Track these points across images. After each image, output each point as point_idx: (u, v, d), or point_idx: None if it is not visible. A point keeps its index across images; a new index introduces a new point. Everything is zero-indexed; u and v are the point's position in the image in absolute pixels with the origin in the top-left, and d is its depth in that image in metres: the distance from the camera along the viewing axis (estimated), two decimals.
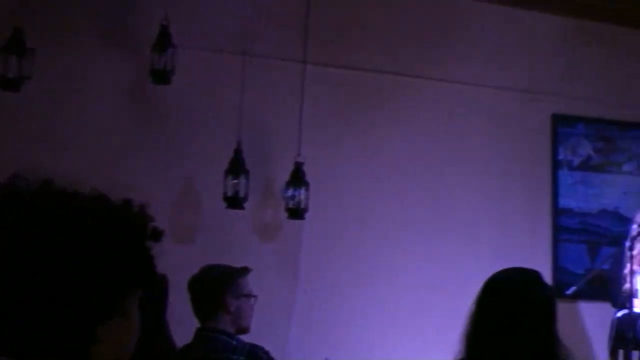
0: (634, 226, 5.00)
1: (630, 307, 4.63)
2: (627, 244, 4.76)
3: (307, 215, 5.16)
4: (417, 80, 5.63)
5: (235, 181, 4.93)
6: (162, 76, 4.70)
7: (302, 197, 5.09)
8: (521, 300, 2.49)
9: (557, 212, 5.92)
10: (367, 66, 5.53)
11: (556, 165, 5.96)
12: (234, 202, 4.95)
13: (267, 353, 3.21)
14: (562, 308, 5.77)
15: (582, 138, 6.05)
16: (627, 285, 4.87)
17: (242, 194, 4.94)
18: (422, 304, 5.43)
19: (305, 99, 5.38)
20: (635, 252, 4.84)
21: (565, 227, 5.94)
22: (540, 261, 5.66)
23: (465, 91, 5.75)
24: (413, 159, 5.59)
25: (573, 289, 4.89)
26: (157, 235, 1.34)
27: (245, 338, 3.32)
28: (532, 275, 2.57)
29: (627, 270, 4.87)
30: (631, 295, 4.68)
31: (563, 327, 5.32)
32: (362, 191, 5.45)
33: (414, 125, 5.61)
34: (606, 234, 5.98)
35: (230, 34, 5.23)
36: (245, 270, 3.36)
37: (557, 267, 5.86)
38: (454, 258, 5.54)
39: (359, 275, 5.35)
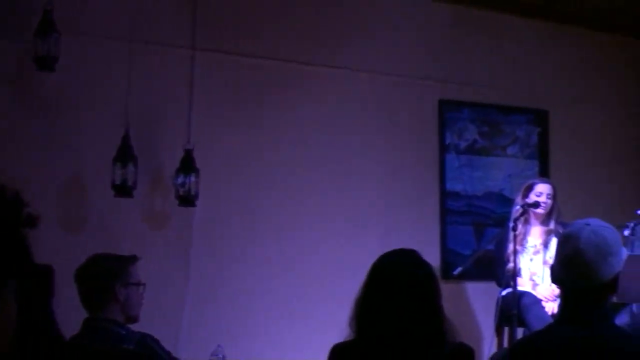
0: (517, 207, 5.18)
1: (514, 285, 4.77)
2: (510, 224, 4.91)
3: (198, 202, 5.14)
4: (306, 67, 5.67)
5: (123, 169, 4.87)
6: (45, 63, 4.60)
7: (193, 184, 5.07)
8: (403, 280, 2.56)
9: (445, 195, 6.08)
10: (257, 53, 5.53)
11: (443, 149, 6.10)
12: (123, 190, 4.89)
13: (157, 342, 3.19)
14: (450, 288, 6.00)
15: (468, 123, 6.21)
16: (510, 265, 5.02)
17: (130, 182, 4.89)
18: (315, 289, 5.50)
19: (194, 85, 5.35)
20: (518, 232, 5.00)
21: (453, 209, 6.10)
22: (429, 243, 5.82)
23: (353, 78, 5.82)
24: (303, 145, 5.63)
25: (459, 269, 5.02)
26: (33, 221, 1.28)
27: (137, 327, 3.29)
28: (411, 255, 2.65)
29: (510, 250, 5.02)
30: (515, 274, 4.84)
31: (451, 307, 5.48)
32: (254, 177, 5.46)
33: (303, 111, 5.65)
34: (491, 216, 6.17)
35: (117, 20, 5.14)
36: (133, 259, 3.33)
37: (445, 249, 6.02)
38: (345, 243, 5.62)
39: (251, 262, 5.37)
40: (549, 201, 5.26)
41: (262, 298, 5.38)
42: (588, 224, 2.36)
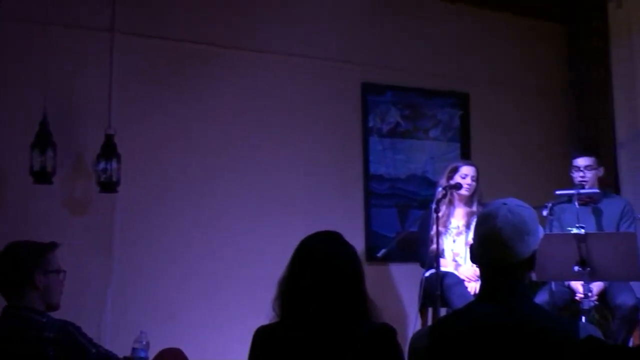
0: (439, 189, 5.25)
1: (437, 266, 4.83)
2: (433, 206, 4.98)
3: (120, 188, 5.08)
4: (229, 50, 5.64)
5: (42, 155, 4.78)
6: None
7: (114, 169, 5.01)
8: (326, 262, 2.58)
9: (368, 178, 6.13)
10: (178, 36, 5.48)
11: (366, 132, 6.15)
12: (42, 176, 4.80)
13: (78, 329, 3.15)
14: (374, 270, 6.06)
15: (390, 106, 6.27)
16: (433, 246, 5.09)
17: (49, 168, 4.80)
18: (239, 273, 5.50)
19: (114, 68, 5.27)
20: (440, 214, 5.07)
21: (376, 192, 6.16)
22: (353, 226, 5.88)
23: (276, 61, 5.81)
24: (227, 129, 5.61)
25: (383, 251, 5.07)
26: None
27: (59, 315, 3.25)
28: (334, 237, 2.67)
29: (433, 232, 5.09)
30: (438, 255, 4.89)
31: (375, 288, 5.52)
32: (176, 162, 5.42)
33: (227, 95, 5.62)
34: (415, 198, 6.25)
35: (34, 3, 5.03)
36: (53, 246, 3.28)
37: (369, 232, 6.07)
38: (270, 226, 5.62)
39: (174, 248, 5.34)
40: (473, 183, 5.35)
41: (186, 283, 5.35)
42: (505, 204, 2.41)
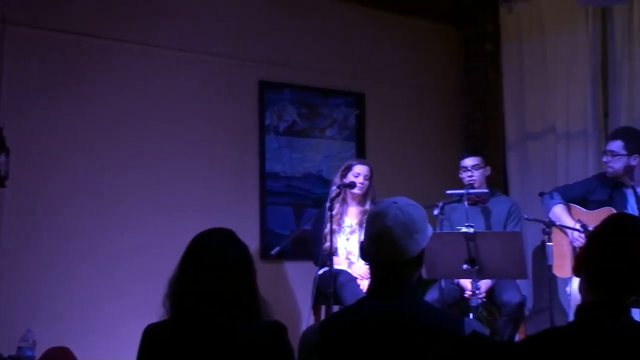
0: (333, 187, 5.29)
1: (331, 264, 4.88)
2: (327, 204, 5.02)
3: (8, 182, 4.93)
4: (123, 44, 5.56)
5: None
6: None
7: (2, 163, 4.86)
8: (217, 259, 2.58)
9: (264, 176, 6.14)
10: (73, 29, 5.36)
11: (263, 130, 6.15)
12: None
13: None
14: (268, 268, 6.06)
15: (287, 104, 6.29)
16: (327, 244, 5.14)
17: None
18: (131, 270, 5.42)
19: (4, 61, 5.11)
20: (335, 213, 5.12)
21: (272, 190, 6.17)
22: (248, 224, 5.87)
23: (173, 57, 5.76)
24: (122, 125, 5.52)
25: (277, 249, 5.08)
26: None
27: None
28: (226, 235, 2.67)
29: (327, 230, 5.14)
30: (331, 253, 4.94)
31: (269, 286, 5.52)
32: (68, 157, 5.30)
33: (121, 90, 5.53)
34: (310, 196, 6.29)
35: None
36: None
37: (264, 229, 6.08)
38: (166, 224, 5.56)
39: (64, 245, 5.22)
40: (366, 182, 5.41)
41: (75, 281, 5.24)
42: (395, 202, 2.45)
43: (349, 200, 5.45)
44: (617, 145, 4.86)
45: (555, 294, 6.00)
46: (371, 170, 5.46)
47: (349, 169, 5.42)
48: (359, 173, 5.39)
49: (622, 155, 4.83)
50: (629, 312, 2.24)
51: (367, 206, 5.39)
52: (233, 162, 5.99)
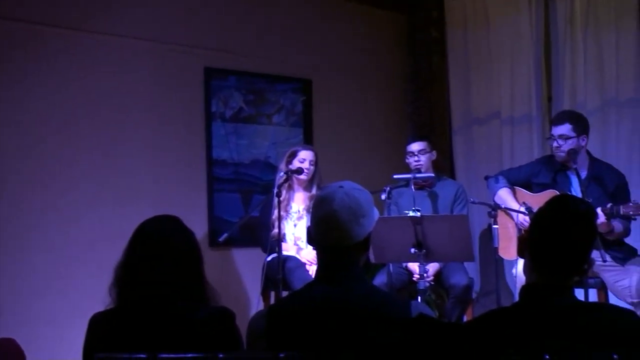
0: (281, 174, 5.28)
1: (279, 250, 4.87)
2: (275, 190, 5.01)
3: None
4: (70, 31, 5.46)
5: None
6: None
7: None
8: (163, 246, 2.56)
9: (212, 163, 6.09)
10: (15, 15, 5.25)
11: (209, 117, 6.10)
12: None
13: None
14: (217, 255, 6.03)
15: (234, 90, 6.25)
16: (275, 231, 5.13)
17: None
18: (78, 260, 5.34)
19: None
20: (282, 199, 5.11)
21: (220, 177, 6.13)
22: (196, 211, 5.84)
23: (118, 43, 5.67)
24: (64, 114, 5.42)
25: (224, 235, 5.05)
26: None
27: None
28: (172, 222, 2.65)
29: (275, 216, 5.13)
30: (279, 239, 4.94)
31: (218, 273, 5.49)
32: (6, 146, 5.20)
33: (66, 77, 5.43)
34: (258, 183, 6.27)
35: None
36: None
37: (212, 217, 6.05)
38: (112, 212, 5.49)
39: (7, 236, 5.13)
40: (311, 167, 5.41)
41: (21, 272, 5.15)
42: (342, 187, 2.45)
43: (296, 186, 5.45)
44: (566, 128, 4.92)
45: (502, 276, 6.08)
46: (316, 155, 5.46)
47: (294, 155, 5.42)
48: (304, 159, 5.39)
49: (573, 138, 4.90)
50: (572, 292, 2.28)
51: (314, 191, 5.39)
52: (180, 150, 5.94)
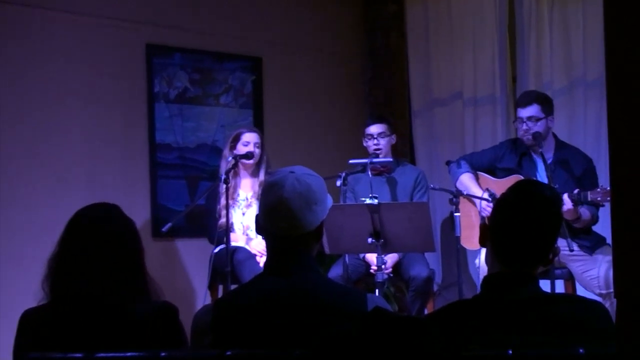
0: (229, 159, 5.25)
1: (227, 241, 4.85)
2: (223, 177, 4.98)
3: None
4: (5, 5, 5.36)
5: None
6: None
7: None
8: (100, 236, 2.53)
9: (155, 148, 6.05)
10: None
11: (152, 98, 6.05)
12: None
13: None
14: (161, 246, 5.99)
15: (178, 69, 6.20)
16: (222, 220, 5.11)
17: None
18: (10, 253, 5.27)
19: None
20: (230, 186, 5.08)
21: (164, 162, 6.09)
22: (138, 199, 5.80)
23: (52, 18, 5.59)
24: (3, 92, 5.34)
25: (168, 225, 5.01)
26: None
27: None
28: (110, 210, 2.62)
29: (222, 205, 5.11)
30: (228, 229, 4.91)
31: (162, 265, 5.47)
32: None
33: (4, 54, 5.35)
34: (205, 169, 6.23)
35: None
36: None
37: (156, 205, 6.01)
38: (46, 199, 5.43)
39: None
40: (257, 150, 5.39)
41: None
42: (293, 172, 2.44)
43: (242, 171, 5.42)
44: (535, 109, 4.96)
45: (465, 267, 6.14)
46: (262, 138, 5.45)
47: (237, 138, 5.39)
48: (248, 141, 5.37)
49: (542, 119, 4.94)
50: (537, 283, 2.30)
51: (262, 176, 5.38)
52: (120, 133, 5.88)
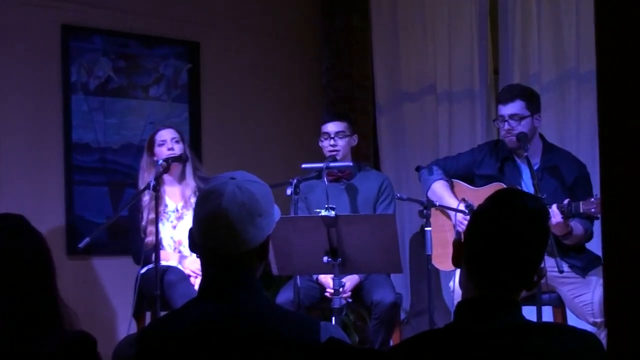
0: (160, 161, 5.21)
1: (156, 260, 4.82)
2: (152, 183, 4.95)
3: None
4: None
5: None
6: None
7: None
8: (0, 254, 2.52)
9: (71, 148, 6.03)
10: None
11: (68, 88, 6.03)
12: None
13: None
14: (77, 265, 5.97)
15: (100, 55, 6.18)
16: (149, 238, 5.08)
17: None
18: None
19: None
20: (160, 194, 5.05)
21: (81, 165, 6.07)
22: (51, 209, 5.78)
23: None
24: None
25: (86, 241, 4.97)
26: None
27: None
28: (15, 222, 2.60)
29: (151, 217, 5.08)
30: (157, 246, 4.88)
31: (77, 287, 5.43)
32: None
33: None
34: (131, 173, 6.19)
35: None
36: None
37: (71, 216, 5.98)
38: None
39: None
40: (178, 145, 5.35)
41: None
42: (233, 178, 2.44)
43: (166, 177, 5.39)
44: (518, 106, 4.99)
45: (438, 291, 6.18)
46: (181, 134, 5.45)
47: (152, 141, 5.41)
48: (163, 140, 5.37)
49: (527, 117, 4.98)
50: (519, 310, 2.31)
51: (190, 180, 5.39)
52: (30, 130, 5.86)
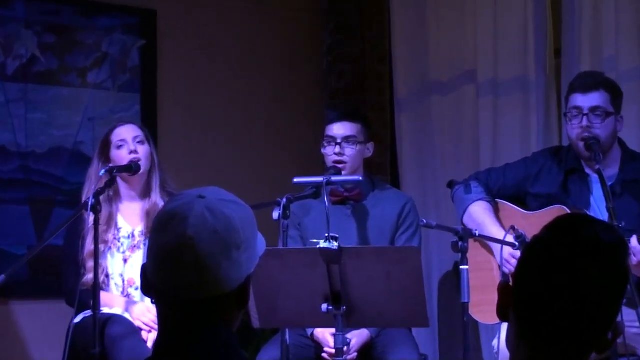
0: (102, 172, 5.21)
1: (96, 306, 4.82)
2: (91, 201, 4.92)
3: None
4: None
5: None
6: None
7: None
8: None
9: None
10: None
11: None
12: None
13: None
14: None
15: (21, 28, 6.21)
16: (89, 276, 5.08)
17: None
18: None
19: None
20: (102, 216, 5.05)
21: None
22: None
23: None
24: None
25: (1, 278, 5.00)
26: None
27: None
28: None
29: (90, 249, 5.09)
30: (96, 287, 4.87)
31: None
32: None
33: None
34: (61, 188, 6.24)
35: None
36: None
37: None
38: None
39: None
40: (143, 148, 5.35)
41: None
42: (203, 197, 2.45)
43: (123, 191, 5.40)
44: (601, 97, 4.99)
45: (477, 351, 6.18)
46: (145, 131, 5.44)
47: (107, 141, 5.36)
48: (123, 139, 5.35)
49: (612, 115, 4.99)
50: None
51: (156, 198, 5.37)
52: None
